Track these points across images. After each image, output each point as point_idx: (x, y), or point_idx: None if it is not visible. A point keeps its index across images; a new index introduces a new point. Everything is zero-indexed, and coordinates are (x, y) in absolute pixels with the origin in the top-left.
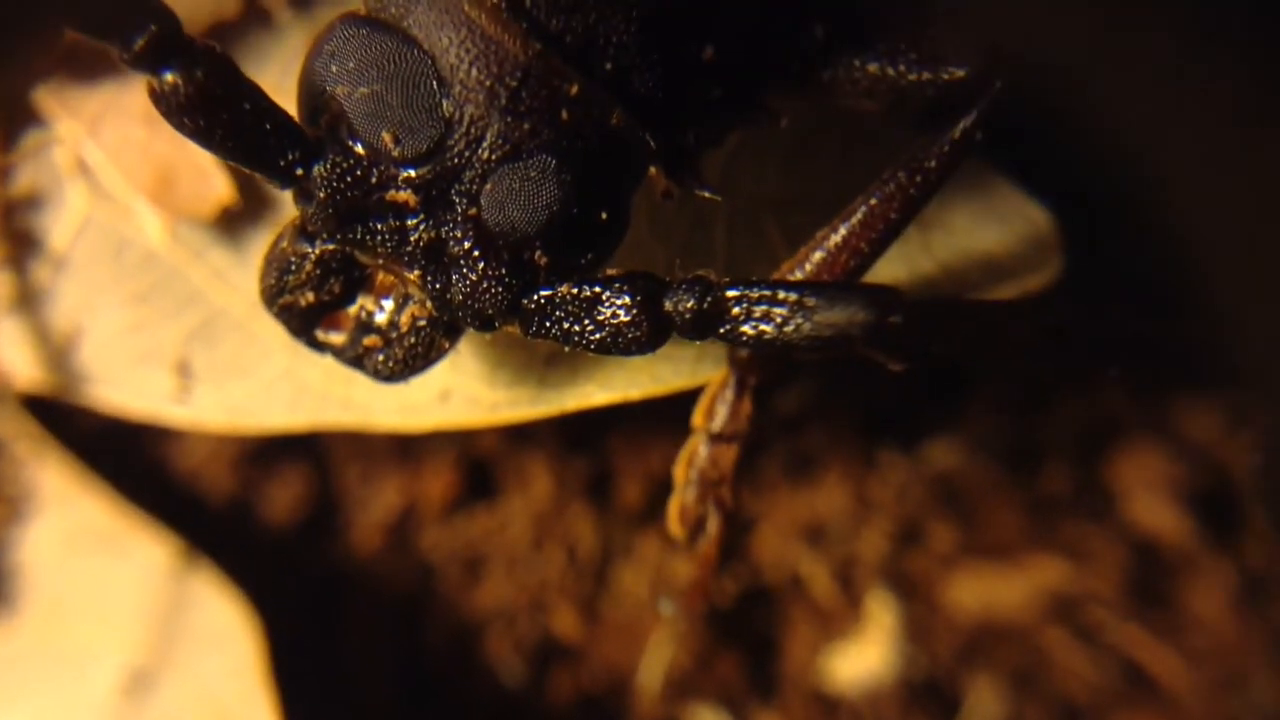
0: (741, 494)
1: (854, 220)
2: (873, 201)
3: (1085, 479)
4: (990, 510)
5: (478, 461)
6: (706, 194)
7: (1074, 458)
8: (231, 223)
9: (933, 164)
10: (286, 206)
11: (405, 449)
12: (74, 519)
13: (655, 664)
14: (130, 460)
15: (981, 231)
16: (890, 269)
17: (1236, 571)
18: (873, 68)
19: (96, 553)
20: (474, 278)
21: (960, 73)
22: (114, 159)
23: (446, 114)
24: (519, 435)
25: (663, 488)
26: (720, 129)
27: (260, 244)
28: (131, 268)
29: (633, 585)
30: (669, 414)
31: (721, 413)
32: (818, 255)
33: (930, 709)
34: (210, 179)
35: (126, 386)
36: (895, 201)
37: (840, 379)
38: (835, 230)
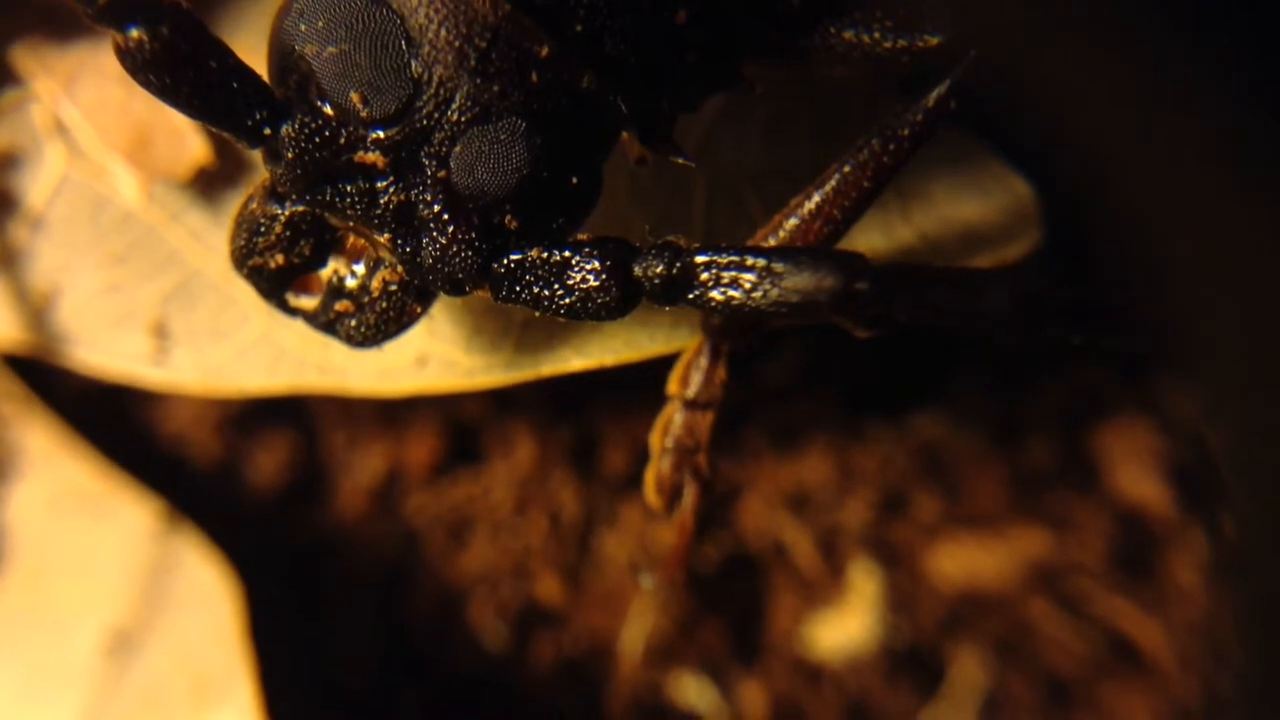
0: (725, 463)
1: (827, 188)
2: (846, 169)
3: (1069, 450)
4: (974, 480)
5: (462, 427)
6: (681, 160)
7: (1058, 429)
8: (209, 184)
9: (905, 132)
10: (262, 167)
11: (390, 414)
12: (59, 480)
13: (637, 630)
14: (115, 422)
15: (961, 200)
16: (869, 237)
17: (1214, 542)
18: (848, 34)
19: (81, 514)
20: (444, 241)
21: (934, 40)
22: (90, 118)
23: (415, 74)
24: (503, 401)
25: (646, 454)
26: (695, 95)
27: (238, 205)
28: (109, 228)
29: (615, 552)
30: (654, 381)
31: (696, 380)
32: (791, 222)
33: (913, 677)
34: (186, 140)
35: (104, 347)
36: (868, 169)
37: (826, 348)
38: (809, 197)
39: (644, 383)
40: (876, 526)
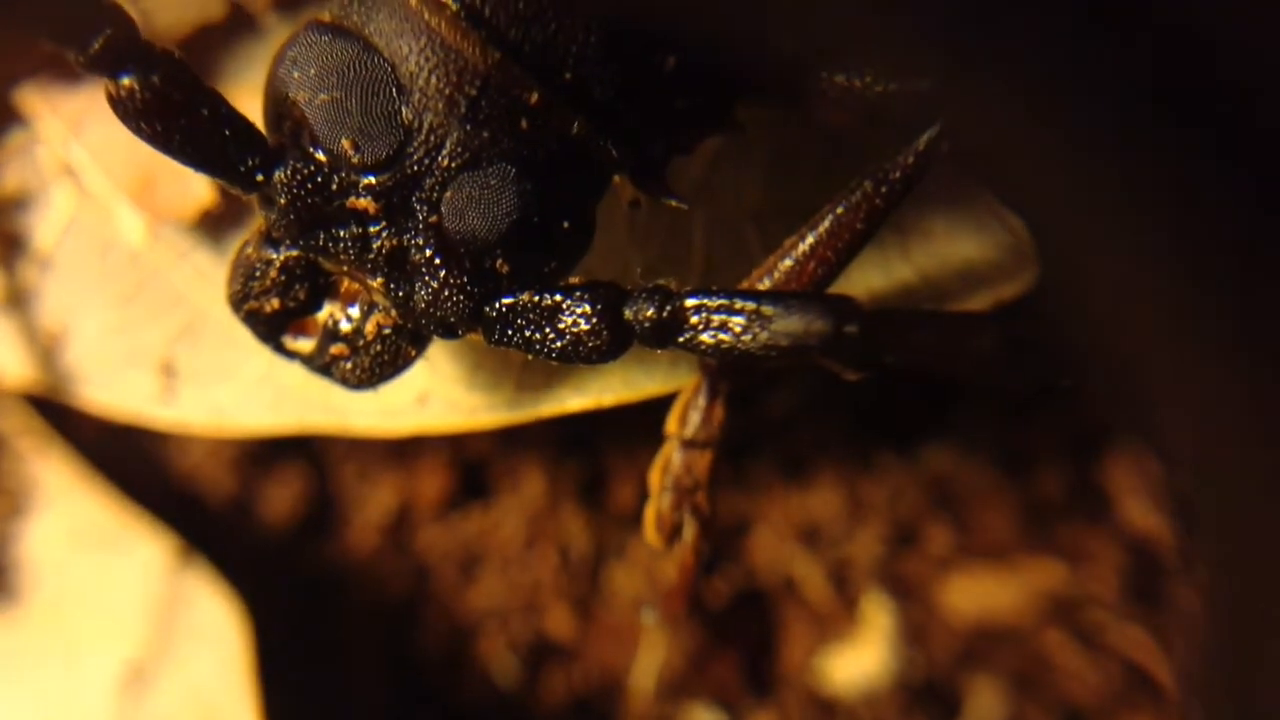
0: (734, 495)
1: (821, 229)
2: (839, 211)
3: (1079, 481)
4: (985, 512)
5: (471, 462)
6: (674, 203)
7: (1067, 460)
8: (214, 225)
9: (897, 175)
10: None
11: (400, 450)
12: (75, 515)
13: (648, 664)
14: (131, 458)
15: (959, 238)
16: (867, 274)
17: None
18: (840, 79)
19: (97, 549)
20: (436, 285)
21: (926, 84)
22: (97, 160)
23: (406, 121)
24: (512, 437)
25: None
26: (686, 138)
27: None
28: (116, 269)
29: (625, 586)
30: (662, 416)
31: (694, 419)
32: (786, 263)
33: (929, 710)
34: (191, 182)
35: (112, 387)
36: (861, 211)
37: (833, 380)
38: (803, 239)
39: (651, 417)
40: (888, 559)
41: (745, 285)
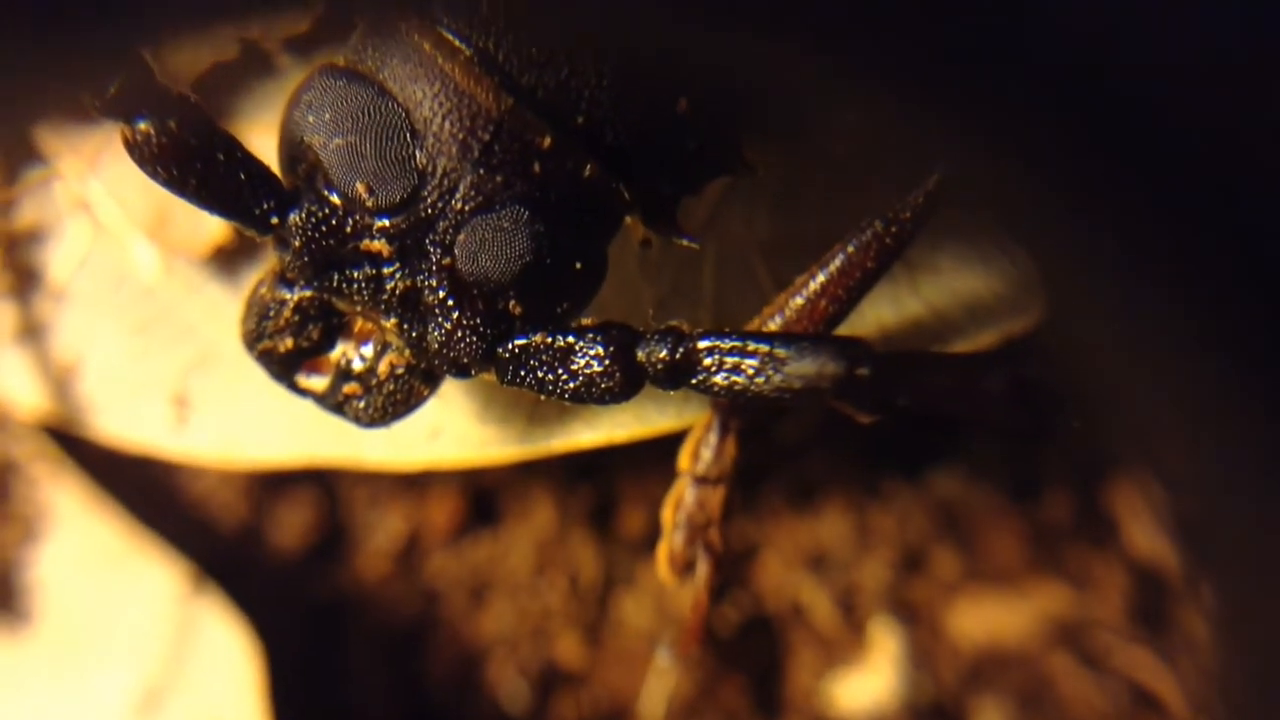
0: (743, 522)
1: (832, 268)
2: (850, 250)
3: (1084, 506)
4: (992, 537)
5: (482, 489)
6: (685, 243)
7: (1073, 484)
8: (226, 260)
9: (907, 215)
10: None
11: (411, 477)
12: (87, 540)
13: (657, 692)
14: (143, 483)
15: (968, 274)
16: (878, 309)
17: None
18: (849, 116)
19: (109, 573)
20: (449, 326)
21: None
22: (113, 195)
23: (420, 165)
24: (522, 465)
25: None
26: (697, 179)
27: (253, 280)
28: (130, 302)
29: (634, 613)
30: (672, 445)
31: (706, 456)
32: (798, 301)
33: None
34: (205, 218)
35: (126, 417)
36: (871, 250)
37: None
38: (814, 277)
39: (662, 446)
40: (896, 585)
41: (757, 323)
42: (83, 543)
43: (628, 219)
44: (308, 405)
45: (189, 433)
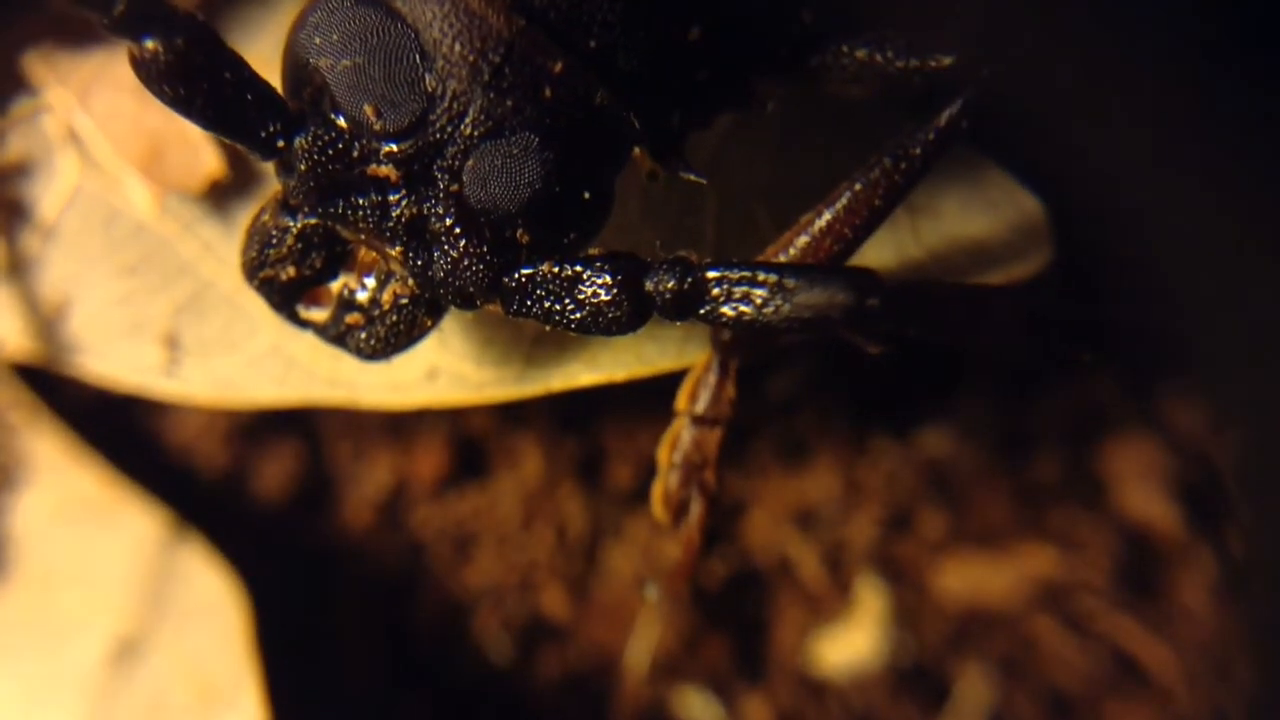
0: (732, 478)
1: (838, 206)
2: (857, 187)
3: (1075, 467)
4: (980, 497)
5: (469, 440)
6: (692, 177)
7: (1064, 446)
8: (221, 196)
9: (917, 151)
10: (275, 181)
11: (397, 427)
12: (66, 488)
13: (643, 645)
14: (122, 432)
15: (971, 218)
16: (879, 254)
17: (1221, 562)
18: (860, 54)
19: (87, 522)
20: (455, 254)
21: (947, 60)
22: (104, 129)
23: (429, 89)
24: (510, 415)
25: (653, 468)
26: (706, 111)
27: (249, 218)
28: (121, 239)
29: (621, 565)
30: (660, 395)
31: (704, 396)
32: (802, 240)
33: (919, 694)
34: (200, 152)
35: (114, 358)
36: (879, 188)
37: (832, 364)
38: (820, 215)
39: (650, 396)
40: (883, 543)
41: (761, 260)
42: (61, 491)
43: (636, 151)
44: (303, 346)
45: (179, 373)
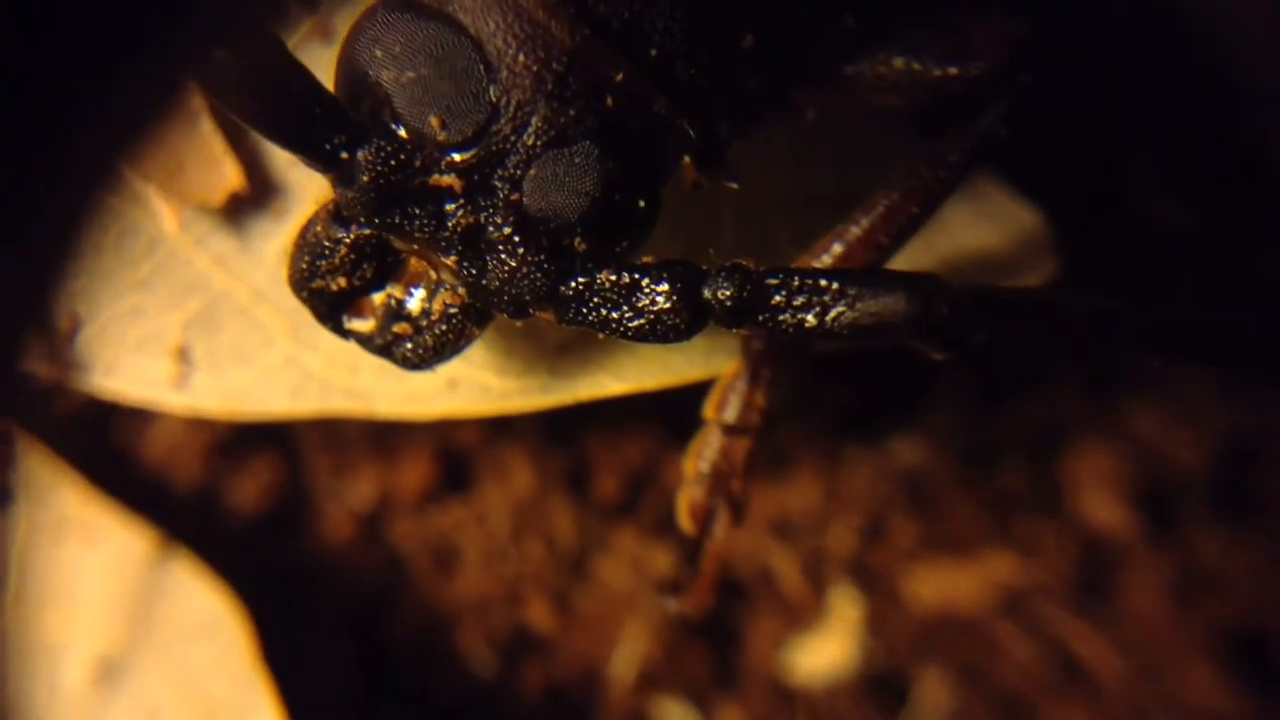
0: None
1: (875, 214)
2: (894, 195)
3: (1039, 474)
4: (950, 505)
5: (454, 453)
6: (734, 185)
7: (1029, 454)
8: (235, 209)
9: (955, 158)
10: (289, 193)
11: (380, 440)
12: (44, 507)
13: (628, 656)
14: (97, 447)
15: (978, 230)
16: (895, 263)
17: (1174, 565)
18: (898, 62)
19: (66, 540)
20: (513, 263)
21: (986, 67)
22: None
23: (493, 99)
24: (498, 428)
25: (640, 482)
26: (751, 120)
27: (263, 231)
28: (134, 253)
29: (609, 578)
30: (646, 410)
31: (734, 404)
32: (838, 248)
33: (882, 702)
34: (220, 166)
35: (125, 372)
36: (917, 196)
37: (814, 377)
38: (855, 223)
39: (636, 411)
40: (859, 552)
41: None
42: (38, 509)
43: (685, 159)
44: (317, 358)
45: (190, 387)
